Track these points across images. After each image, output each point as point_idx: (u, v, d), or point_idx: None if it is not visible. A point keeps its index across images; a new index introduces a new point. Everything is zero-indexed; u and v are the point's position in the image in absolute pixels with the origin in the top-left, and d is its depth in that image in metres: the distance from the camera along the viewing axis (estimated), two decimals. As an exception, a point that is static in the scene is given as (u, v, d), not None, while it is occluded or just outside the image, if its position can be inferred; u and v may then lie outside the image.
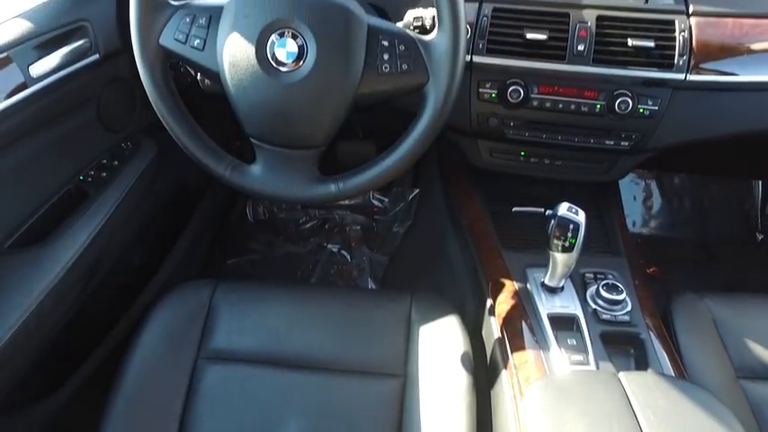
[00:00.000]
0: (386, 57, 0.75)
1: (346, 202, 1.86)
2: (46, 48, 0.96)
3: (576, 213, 0.88)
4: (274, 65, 0.75)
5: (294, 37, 0.74)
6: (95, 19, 1.04)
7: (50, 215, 1.00)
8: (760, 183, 1.83)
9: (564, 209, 0.88)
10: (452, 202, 1.38)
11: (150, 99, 0.81)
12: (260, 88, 0.76)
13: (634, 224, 1.82)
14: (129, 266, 1.37)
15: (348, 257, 1.74)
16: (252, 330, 0.98)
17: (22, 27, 0.94)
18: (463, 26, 0.72)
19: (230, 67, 0.76)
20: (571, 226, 0.87)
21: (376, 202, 1.85)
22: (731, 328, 1.00)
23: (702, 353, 0.97)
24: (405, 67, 0.75)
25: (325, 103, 0.77)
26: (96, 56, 1.05)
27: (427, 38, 0.75)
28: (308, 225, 1.83)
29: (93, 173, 1.11)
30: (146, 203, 1.28)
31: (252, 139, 0.82)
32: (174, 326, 0.97)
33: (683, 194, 1.88)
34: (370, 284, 1.67)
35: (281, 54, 0.74)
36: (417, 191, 1.79)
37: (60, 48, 0.98)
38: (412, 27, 0.82)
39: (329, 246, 1.77)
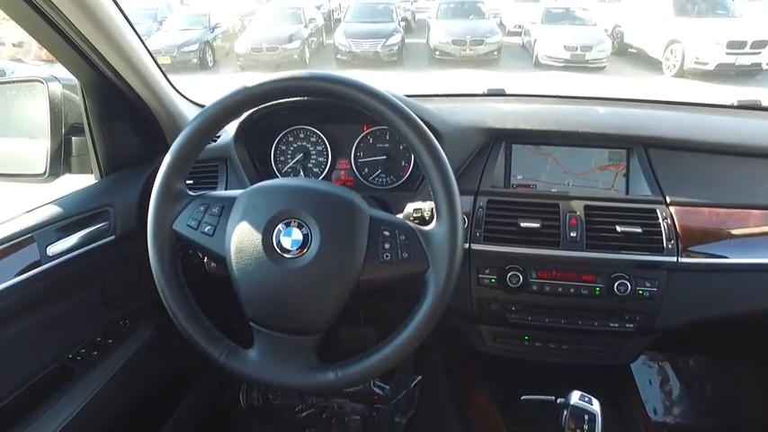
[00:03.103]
0: (387, 246, 0.79)
1: (346, 389, 1.78)
2: (68, 229, 1.03)
3: (590, 402, 0.83)
4: (279, 252, 0.78)
5: (299, 226, 0.79)
6: (118, 204, 1.12)
7: (31, 394, 0.96)
8: None
9: (576, 397, 0.84)
10: (457, 390, 1.32)
11: (155, 279, 0.83)
12: (263, 273, 0.79)
13: (655, 412, 1.70)
14: None
15: (346, 452, 1.60)
16: None
17: (50, 212, 1.02)
18: (460, 217, 0.78)
19: (237, 253, 0.80)
20: (586, 416, 0.82)
21: (377, 390, 1.76)
22: None
23: None
24: (405, 255, 0.78)
25: (327, 290, 0.78)
26: (112, 237, 1.10)
27: (426, 228, 0.80)
28: (304, 414, 1.72)
29: (83, 351, 1.08)
30: (134, 385, 1.22)
31: (251, 323, 0.82)
32: None
33: (703, 378, 1.79)
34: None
35: (287, 242, 0.78)
36: (420, 378, 1.72)
37: (81, 230, 1.05)
38: (412, 218, 0.87)
39: (326, 438, 1.64)
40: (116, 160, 1.20)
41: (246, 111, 0.89)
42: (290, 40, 9.75)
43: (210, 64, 10.04)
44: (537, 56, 9.45)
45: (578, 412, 0.81)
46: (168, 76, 1.24)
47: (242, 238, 0.80)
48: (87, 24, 0.92)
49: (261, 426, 1.69)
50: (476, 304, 1.11)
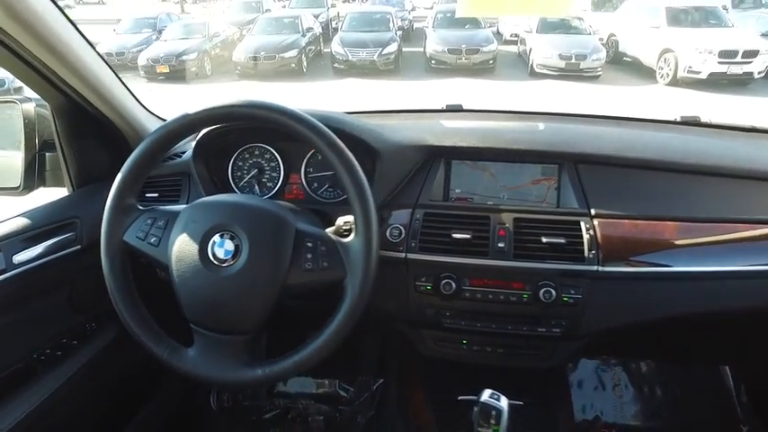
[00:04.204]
0: (309, 256, 0.88)
1: (313, 391, 1.86)
2: (35, 239, 1.11)
3: (498, 399, 0.90)
4: (213, 261, 0.88)
5: (232, 238, 0.88)
6: (85, 216, 1.20)
7: None
8: (728, 368, 1.82)
9: (486, 395, 0.91)
10: (403, 391, 1.39)
11: (107, 285, 0.93)
12: (200, 280, 0.88)
13: (602, 413, 1.77)
14: None
15: (308, 451, 1.68)
16: None
17: (18, 223, 1.10)
18: (374, 230, 0.87)
19: (177, 261, 0.89)
20: (494, 412, 0.89)
21: (341, 392, 1.84)
22: None
23: None
24: (325, 264, 0.88)
25: (255, 294, 0.88)
26: (78, 246, 1.18)
27: (345, 240, 0.90)
28: (270, 415, 1.79)
29: (48, 351, 1.16)
30: (97, 384, 1.30)
31: (191, 324, 0.91)
32: None
33: (653, 382, 1.86)
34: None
35: (220, 252, 0.88)
36: (382, 381, 1.79)
37: (48, 239, 1.13)
38: (342, 230, 0.95)
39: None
40: (87, 174, 1.28)
41: (188, 135, 0.98)
42: (288, 49, 9.84)
43: (209, 72, 10.15)
44: (532, 64, 9.52)
45: (487, 408, 0.89)
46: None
47: (182, 248, 0.89)
48: (46, 54, 1.00)
49: (229, 426, 1.76)
50: (414, 310, 1.19)
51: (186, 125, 0.94)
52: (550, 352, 1.23)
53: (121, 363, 1.37)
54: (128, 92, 1.28)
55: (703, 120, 1.53)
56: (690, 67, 8.36)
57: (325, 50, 11.09)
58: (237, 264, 0.87)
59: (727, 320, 1.38)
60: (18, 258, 1.06)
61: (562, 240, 1.10)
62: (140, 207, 0.96)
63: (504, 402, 0.90)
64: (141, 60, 9.80)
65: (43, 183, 1.25)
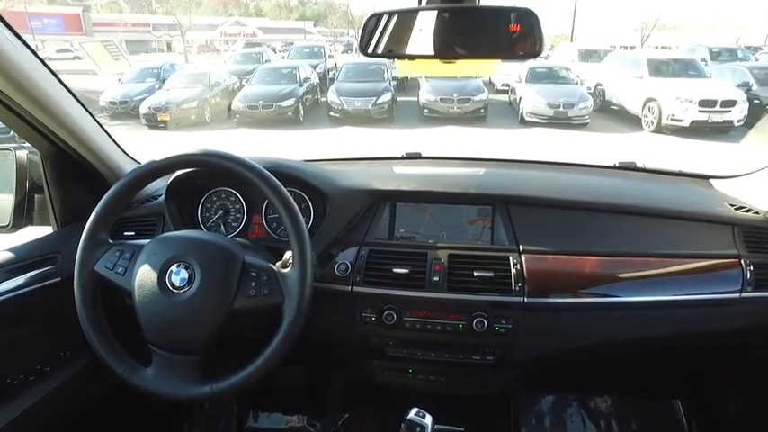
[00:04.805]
0: (253, 284, 1.02)
1: (282, 426, 1.92)
2: (19, 271, 1.22)
3: (424, 417, 1.00)
4: (170, 287, 1.01)
5: (186, 267, 1.02)
6: (66, 251, 1.32)
7: None
8: (679, 402, 1.88)
9: (412, 413, 1.01)
10: (365, 425, 1.47)
11: (77, 308, 1.05)
12: (157, 305, 1.01)
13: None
14: None
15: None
16: None
17: (4, 257, 1.22)
18: (309, 262, 1.00)
19: (139, 288, 1.02)
20: (418, 429, 0.98)
21: (309, 428, 1.89)
22: None
23: None
24: (266, 291, 1.01)
25: (205, 316, 1.00)
26: (58, 278, 1.30)
27: (284, 270, 1.03)
28: (239, 448, 1.85)
29: (21, 376, 1.25)
30: (67, 408, 1.37)
31: (150, 345, 1.03)
32: None
33: (609, 416, 1.92)
34: None
35: (176, 280, 1.01)
36: (347, 416, 1.86)
37: (30, 271, 1.24)
38: (287, 263, 1.07)
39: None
40: (70, 213, 1.41)
41: (154, 180, 1.12)
42: (285, 98, 10.17)
43: (208, 120, 10.46)
44: (522, 113, 9.86)
45: (412, 425, 0.97)
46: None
47: (144, 276, 1.02)
48: (36, 108, 1.15)
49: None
50: (361, 339, 1.29)
51: (152, 170, 1.09)
52: (487, 380, 1.32)
53: (92, 389, 1.45)
54: (108, 138, 1.43)
55: (639, 165, 1.66)
56: (673, 115, 8.69)
57: (322, 99, 11.44)
58: (191, 290, 0.99)
59: (668, 353, 1.47)
60: (1, 287, 1.18)
61: (491, 274, 1.21)
62: (110, 241, 1.10)
63: (428, 420, 0.99)
64: (143, 109, 10.10)
65: (31, 222, 1.38)
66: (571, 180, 1.52)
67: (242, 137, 9.35)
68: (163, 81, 11.63)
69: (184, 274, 1.00)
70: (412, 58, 0.96)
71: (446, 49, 0.93)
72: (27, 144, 1.35)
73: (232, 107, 10.23)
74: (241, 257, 1.03)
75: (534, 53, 0.88)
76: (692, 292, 1.24)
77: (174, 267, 1.01)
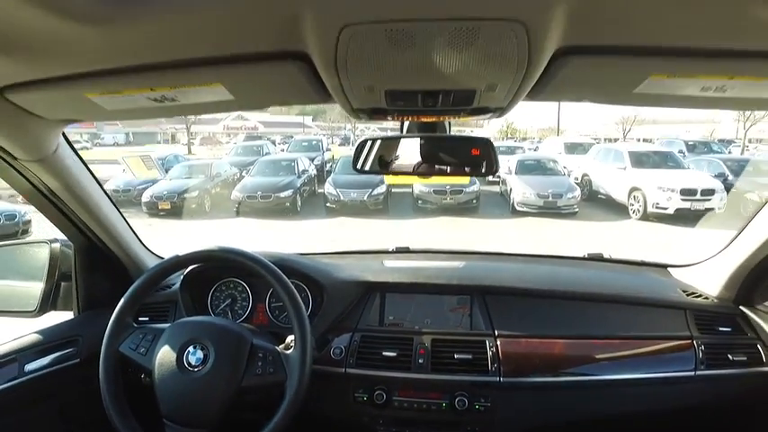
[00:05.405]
0: (260, 364, 1.15)
1: None
2: (41, 353, 1.36)
3: None
4: (187, 366, 1.14)
5: (202, 348, 1.15)
6: (86, 334, 1.46)
7: None
8: None
9: None
10: None
11: (100, 384, 1.17)
12: (175, 381, 1.14)
13: None
14: None
15: None
16: None
17: (32, 339, 1.36)
18: (308, 345, 1.14)
19: (159, 366, 1.15)
20: None
21: None
22: None
23: None
24: (271, 370, 1.15)
25: (217, 393, 1.13)
26: (77, 360, 1.42)
27: (288, 352, 1.17)
28: None
29: None
30: None
31: (164, 420, 1.14)
32: None
33: None
34: None
35: (193, 359, 1.15)
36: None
37: (52, 353, 1.38)
38: (289, 346, 1.21)
39: None
40: (91, 300, 1.56)
41: (176, 272, 1.29)
42: (284, 189, 10.51)
43: (207, 209, 10.73)
44: (513, 203, 10.20)
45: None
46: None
47: (164, 356, 1.16)
48: (77, 205, 1.33)
49: None
50: (353, 418, 1.40)
51: (175, 264, 1.27)
52: None
53: None
54: (132, 233, 1.61)
55: (605, 256, 1.85)
56: (657, 203, 9.07)
57: (319, 190, 11.75)
58: (205, 368, 1.13)
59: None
60: (29, 367, 1.31)
61: (470, 356, 1.35)
62: (135, 325, 1.25)
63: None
64: (145, 197, 10.38)
65: (54, 308, 1.53)
66: (542, 271, 1.70)
67: (240, 226, 9.57)
68: (166, 171, 12.03)
69: (200, 354, 1.14)
70: (395, 173, 1.17)
71: (423, 167, 1.14)
72: (59, 236, 1.53)
73: (232, 197, 10.53)
74: (250, 340, 1.17)
75: (492, 171, 1.09)
76: (653, 370, 1.37)
77: (191, 348, 1.15)
